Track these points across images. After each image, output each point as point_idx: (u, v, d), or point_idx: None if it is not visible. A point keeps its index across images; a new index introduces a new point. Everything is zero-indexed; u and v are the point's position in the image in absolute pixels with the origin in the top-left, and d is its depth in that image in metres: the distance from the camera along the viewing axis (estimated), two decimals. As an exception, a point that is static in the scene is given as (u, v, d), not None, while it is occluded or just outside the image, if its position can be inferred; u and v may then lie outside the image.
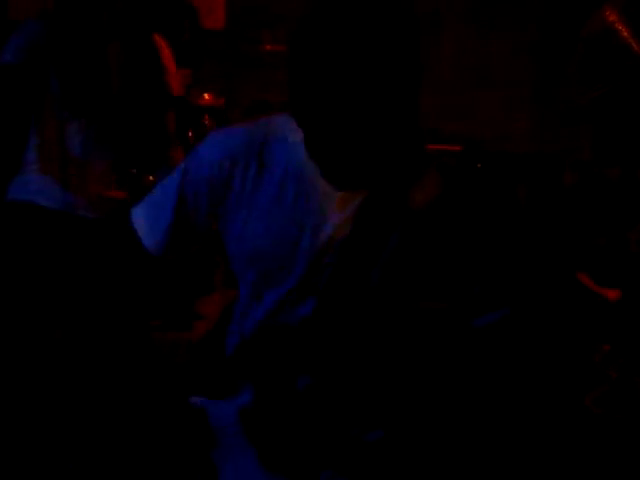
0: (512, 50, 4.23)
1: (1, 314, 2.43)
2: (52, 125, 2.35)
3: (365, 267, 1.41)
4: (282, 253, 1.43)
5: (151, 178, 2.42)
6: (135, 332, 2.15)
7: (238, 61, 3.85)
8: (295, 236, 1.42)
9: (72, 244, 2.35)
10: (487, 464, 2.26)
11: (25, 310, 2.41)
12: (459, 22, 4.26)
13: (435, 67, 4.15)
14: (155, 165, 2.47)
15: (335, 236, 1.41)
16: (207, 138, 1.50)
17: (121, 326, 1.87)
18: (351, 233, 1.41)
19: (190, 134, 3.38)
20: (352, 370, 1.45)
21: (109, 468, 2.17)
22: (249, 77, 3.88)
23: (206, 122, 3.53)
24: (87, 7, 2.32)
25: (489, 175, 3.61)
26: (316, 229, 1.41)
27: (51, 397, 2.39)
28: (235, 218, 1.45)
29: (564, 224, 3.23)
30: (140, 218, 1.50)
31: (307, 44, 1.27)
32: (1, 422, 2.33)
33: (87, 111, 2.35)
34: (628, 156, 3.10)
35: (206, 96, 3.60)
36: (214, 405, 1.48)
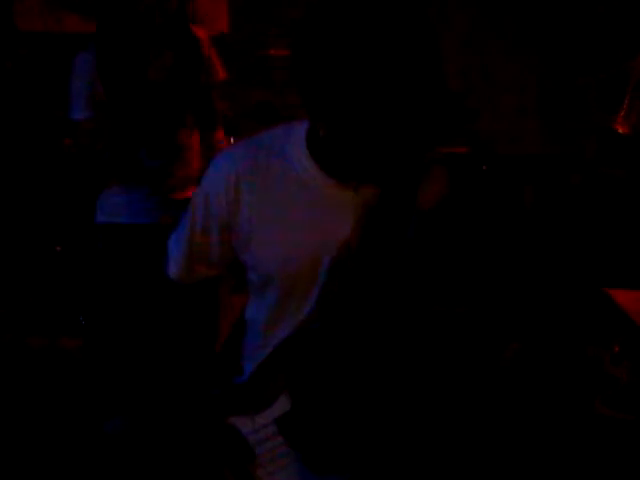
0: (519, 52, 4.22)
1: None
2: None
3: (383, 265, 1.38)
4: (302, 268, 1.42)
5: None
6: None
7: (242, 65, 3.85)
8: (312, 249, 1.41)
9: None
10: (495, 467, 2.25)
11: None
12: (466, 25, 4.26)
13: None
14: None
15: (351, 242, 1.39)
16: (213, 164, 1.49)
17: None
18: (364, 234, 1.38)
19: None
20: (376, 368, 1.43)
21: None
22: (253, 80, 3.88)
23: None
24: (129, 26, 2.32)
25: (495, 177, 3.60)
26: (332, 237, 1.40)
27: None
28: (248, 241, 1.44)
29: (571, 224, 3.22)
30: (171, 244, 1.58)
31: (325, 28, 1.20)
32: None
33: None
34: (633, 156, 3.09)
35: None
36: (248, 420, 1.47)
